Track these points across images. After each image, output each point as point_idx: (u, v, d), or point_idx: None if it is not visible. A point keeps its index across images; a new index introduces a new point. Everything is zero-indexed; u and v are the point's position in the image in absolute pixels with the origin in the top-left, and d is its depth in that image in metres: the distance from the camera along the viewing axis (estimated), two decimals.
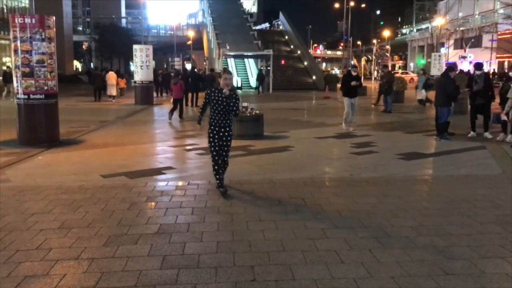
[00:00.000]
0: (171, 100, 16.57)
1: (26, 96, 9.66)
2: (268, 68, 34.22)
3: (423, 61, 64.52)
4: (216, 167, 6.14)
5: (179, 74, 18.93)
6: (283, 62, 40.74)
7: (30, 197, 5.89)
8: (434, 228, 4.85)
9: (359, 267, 3.86)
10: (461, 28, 56.01)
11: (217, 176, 6.16)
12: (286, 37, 48.97)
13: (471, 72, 11.80)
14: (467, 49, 53.38)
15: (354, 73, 13.01)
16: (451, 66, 11.79)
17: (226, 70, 6.29)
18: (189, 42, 57.85)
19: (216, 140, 6.03)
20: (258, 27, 63.70)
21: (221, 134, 6.02)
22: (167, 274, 3.71)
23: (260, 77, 31.20)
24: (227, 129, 6.04)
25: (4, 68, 41.98)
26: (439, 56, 32.48)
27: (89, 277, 3.65)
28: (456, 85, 10.80)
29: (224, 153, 6.13)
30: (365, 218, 5.14)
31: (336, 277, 3.69)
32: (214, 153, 6.07)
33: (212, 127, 6.04)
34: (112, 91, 23.90)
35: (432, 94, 14.09)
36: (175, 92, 15.53)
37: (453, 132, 11.24)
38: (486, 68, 48.14)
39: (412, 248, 4.28)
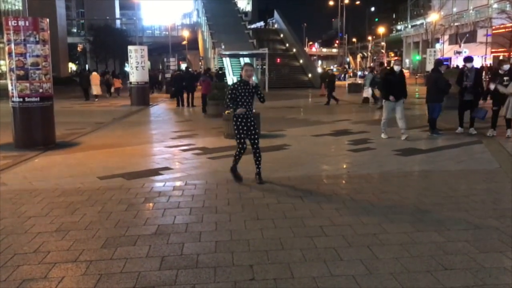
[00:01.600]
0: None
1: (21, 99, 9.62)
2: (264, 67, 34.23)
3: (418, 57, 64.71)
4: (240, 155, 6.60)
5: (207, 73, 20.67)
6: (278, 60, 40.76)
7: (26, 200, 5.86)
8: (432, 223, 4.86)
9: (358, 264, 3.86)
10: (455, 24, 56.11)
11: (235, 162, 6.71)
12: (281, 35, 49.01)
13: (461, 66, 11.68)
14: (462, 44, 53.45)
15: (397, 69, 10.51)
16: (440, 60, 11.79)
17: (247, 63, 6.82)
18: (184, 42, 57.79)
19: (244, 131, 6.43)
20: (253, 26, 63.64)
21: (248, 124, 6.44)
22: (166, 275, 3.70)
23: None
24: (252, 118, 6.51)
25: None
26: (434, 51, 32.64)
27: (88, 279, 3.63)
28: (447, 80, 10.84)
29: (256, 141, 6.54)
30: (363, 214, 5.14)
31: (335, 274, 3.69)
32: (242, 140, 6.49)
33: (239, 119, 6.40)
34: (96, 90, 25.02)
35: (377, 92, 13.99)
36: (203, 88, 17.58)
37: (439, 128, 11.24)
38: (480, 63, 48.46)
39: (410, 244, 4.28)
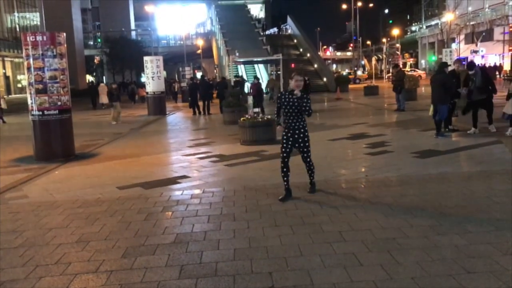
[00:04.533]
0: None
1: (40, 113, 9.80)
2: (279, 72, 34.23)
3: (434, 58, 64.02)
4: (284, 169, 6.13)
5: (256, 78, 22.35)
6: (293, 65, 40.71)
7: (47, 212, 5.95)
8: (453, 226, 4.78)
9: (378, 269, 3.82)
10: (471, 23, 55.40)
11: (285, 179, 6.16)
12: (295, 40, 49.01)
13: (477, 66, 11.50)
14: (479, 43, 52.79)
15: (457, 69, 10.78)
16: (445, 62, 11.79)
17: (297, 72, 6.39)
18: (199, 51, 58.19)
19: (290, 142, 6.06)
20: (266, 32, 63.82)
21: (296, 136, 6.05)
22: (186, 284, 3.71)
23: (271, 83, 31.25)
24: (302, 130, 6.05)
25: (19, 85, 42.89)
26: (450, 51, 32.23)
27: None
28: (453, 80, 10.76)
29: (305, 155, 6.15)
30: (382, 219, 5.09)
31: (356, 280, 3.65)
32: (285, 154, 6.08)
33: (286, 130, 6.10)
34: (103, 99, 27.25)
35: None
36: (253, 91, 20.48)
37: (455, 129, 11.14)
38: (498, 61, 47.70)
39: (431, 248, 4.22)
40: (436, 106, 10.69)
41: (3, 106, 22.76)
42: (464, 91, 10.86)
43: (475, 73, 10.71)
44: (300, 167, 6.63)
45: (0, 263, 4.30)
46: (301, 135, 6.05)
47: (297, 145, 6.08)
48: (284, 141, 6.08)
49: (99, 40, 77.21)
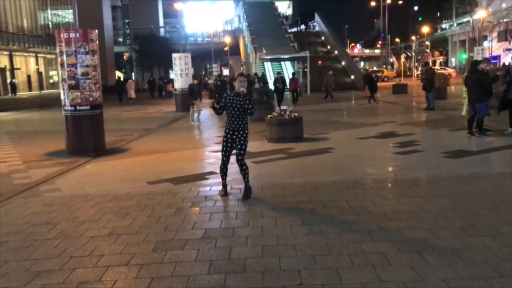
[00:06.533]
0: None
1: (72, 108, 10.03)
2: (305, 70, 34.06)
3: (465, 56, 62.54)
4: (224, 170, 6.30)
5: (294, 74, 24.82)
6: (319, 63, 40.49)
7: (80, 205, 6.10)
8: (485, 228, 4.69)
9: (408, 270, 3.78)
10: (504, 20, 53.85)
11: (224, 177, 6.34)
12: (322, 38, 48.72)
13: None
14: None
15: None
16: (476, 60, 11.57)
17: (241, 73, 6.52)
18: (226, 48, 58.46)
19: (229, 144, 6.13)
20: (293, 30, 63.56)
21: (234, 137, 6.09)
22: (215, 279, 3.76)
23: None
24: (241, 132, 6.09)
25: (51, 81, 44.08)
26: (482, 49, 31.46)
27: (140, 283, 3.74)
28: (490, 77, 10.56)
29: (239, 157, 6.11)
30: (412, 219, 5.03)
31: (385, 280, 3.63)
32: (224, 158, 6.22)
33: (227, 131, 6.16)
34: (131, 94, 31.69)
35: None
36: (292, 85, 23.50)
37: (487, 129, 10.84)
38: None
39: (462, 250, 4.15)
40: (474, 105, 10.47)
41: None
42: (505, 87, 10.55)
43: None
44: (325, 165, 6.60)
45: (35, 254, 4.44)
46: (240, 136, 6.08)
47: (234, 145, 6.11)
48: (224, 142, 6.15)
49: (128, 37, 78.37)
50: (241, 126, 6.10)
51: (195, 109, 17.15)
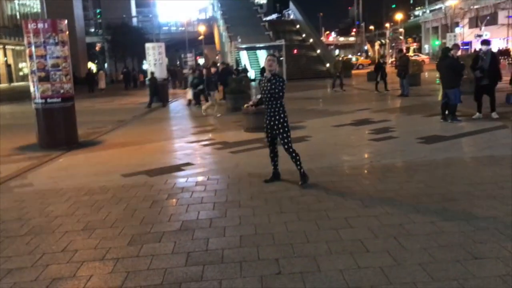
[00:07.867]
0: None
1: (43, 100, 9.77)
2: (281, 58, 34.02)
3: (438, 42, 63.49)
4: (271, 155, 6.22)
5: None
6: (295, 51, 40.48)
7: (53, 200, 5.95)
8: (460, 212, 4.76)
9: (385, 256, 3.81)
10: (475, 6, 54.79)
11: (272, 163, 6.28)
12: (297, 26, 48.64)
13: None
14: (483, 27, 52.25)
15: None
16: (447, 47, 11.68)
17: (272, 54, 6.33)
18: (201, 37, 57.80)
19: (269, 129, 5.98)
20: (268, 18, 63.24)
21: (272, 123, 5.91)
22: (192, 271, 3.71)
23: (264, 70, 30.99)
24: (276, 117, 5.85)
25: (21, 73, 43.02)
26: (454, 36, 31.96)
27: (115, 277, 3.67)
28: (461, 62, 10.69)
29: (282, 142, 5.92)
30: (388, 205, 5.07)
31: (362, 266, 3.64)
32: (268, 142, 6.15)
33: (265, 116, 6.01)
34: (101, 85, 33.58)
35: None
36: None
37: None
38: (502, 46, 47.21)
39: (438, 234, 4.20)
40: (446, 90, 10.60)
41: None
42: (478, 74, 10.61)
43: (487, 52, 10.54)
44: (302, 153, 6.59)
45: (7, 251, 4.31)
46: (277, 122, 5.86)
47: (274, 132, 5.95)
48: (265, 129, 6.07)
49: (100, 27, 76.75)
50: (274, 112, 5.84)
51: (214, 101, 15.29)
